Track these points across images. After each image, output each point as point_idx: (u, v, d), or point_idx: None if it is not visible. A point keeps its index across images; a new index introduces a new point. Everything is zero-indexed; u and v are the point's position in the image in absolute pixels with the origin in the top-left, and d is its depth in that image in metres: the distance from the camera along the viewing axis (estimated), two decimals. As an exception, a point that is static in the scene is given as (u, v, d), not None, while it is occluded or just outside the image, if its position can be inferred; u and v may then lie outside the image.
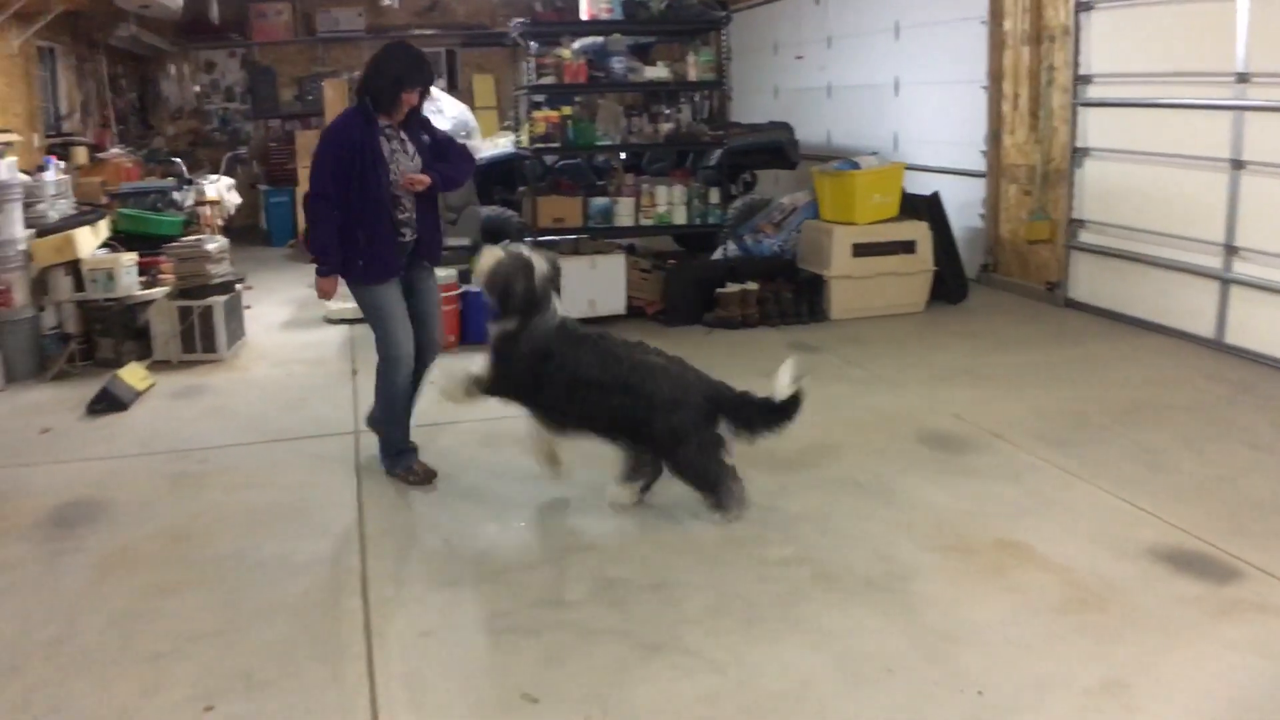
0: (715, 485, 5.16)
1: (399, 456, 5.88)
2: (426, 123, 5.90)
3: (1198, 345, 7.92)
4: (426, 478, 5.79)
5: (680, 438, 5.11)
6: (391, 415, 5.83)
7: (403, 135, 5.68)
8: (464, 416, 6.63)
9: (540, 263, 5.34)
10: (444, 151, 5.86)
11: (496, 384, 5.38)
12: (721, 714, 3.59)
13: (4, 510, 5.61)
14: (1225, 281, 7.74)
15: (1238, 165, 7.51)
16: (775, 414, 5.13)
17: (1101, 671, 3.74)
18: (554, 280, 5.42)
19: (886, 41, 11.85)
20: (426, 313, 5.92)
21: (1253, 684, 3.67)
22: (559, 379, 5.23)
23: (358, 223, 5.54)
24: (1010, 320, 9.07)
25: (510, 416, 6.54)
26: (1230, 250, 7.66)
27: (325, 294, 5.87)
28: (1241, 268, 7.62)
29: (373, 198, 5.52)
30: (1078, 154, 9.12)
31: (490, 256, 5.38)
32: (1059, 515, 5.08)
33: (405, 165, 5.63)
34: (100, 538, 5.21)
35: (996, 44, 10.03)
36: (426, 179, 5.62)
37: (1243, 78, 7.41)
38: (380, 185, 5.52)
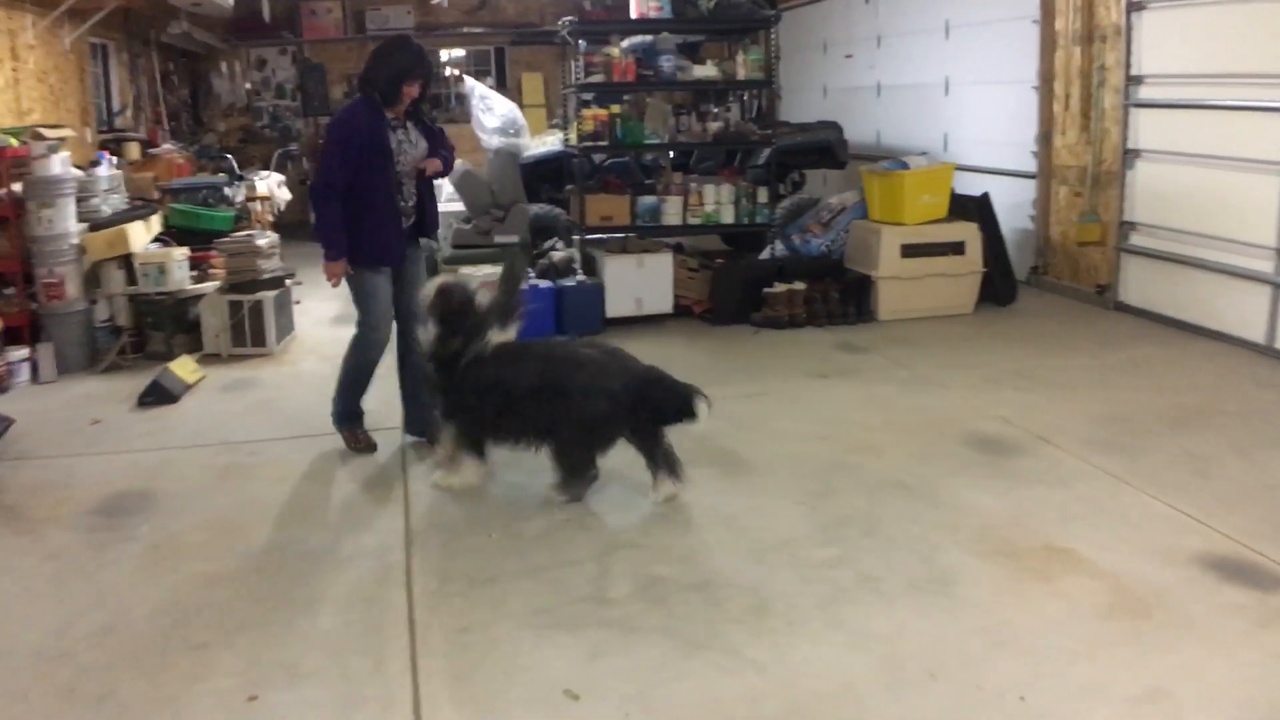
0: (574, 471, 5.40)
1: (351, 419, 6.38)
2: (422, 113, 6.26)
3: (1249, 351, 7.81)
4: (370, 446, 6.32)
5: (581, 425, 5.32)
6: (355, 385, 6.31)
7: (407, 125, 6.04)
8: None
9: (482, 296, 5.74)
10: (440, 140, 6.28)
11: (450, 409, 5.66)
12: (762, 714, 3.58)
13: (54, 499, 5.69)
14: (1278, 286, 7.62)
15: (1292, 168, 7.40)
16: (682, 412, 5.27)
17: (1146, 680, 3.70)
18: (498, 310, 5.69)
19: (937, 41, 11.78)
20: (410, 281, 6.29)
21: (1302, 694, 3.62)
22: (495, 395, 5.45)
23: (364, 210, 5.88)
24: (1059, 323, 8.99)
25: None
26: (1284, 254, 7.56)
27: (334, 277, 6.10)
28: (1295, 272, 7.52)
29: (379, 186, 5.90)
30: (1129, 155, 9.02)
31: (434, 283, 5.75)
32: (1106, 521, 5.03)
33: (411, 154, 6.02)
34: (149, 528, 5.28)
35: (1048, 43, 9.93)
36: (439, 163, 6.13)
37: (1298, 80, 7.31)
38: (386, 174, 5.90)
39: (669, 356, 8.12)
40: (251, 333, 8.57)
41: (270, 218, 12.20)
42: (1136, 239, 9.08)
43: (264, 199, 12.24)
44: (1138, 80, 8.86)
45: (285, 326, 8.95)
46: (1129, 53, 8.88)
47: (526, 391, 5.38)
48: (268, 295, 8.59)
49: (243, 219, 10.64)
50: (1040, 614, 4.18)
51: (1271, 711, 3.54)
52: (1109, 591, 4.34)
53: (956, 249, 9.29)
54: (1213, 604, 4.22)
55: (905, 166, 9.33)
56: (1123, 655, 3.86)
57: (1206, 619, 4.10)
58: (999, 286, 9.61)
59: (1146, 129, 8.87)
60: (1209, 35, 8.07)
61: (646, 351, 8.14)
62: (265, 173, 13.59)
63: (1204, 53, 8.12)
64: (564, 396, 5.29)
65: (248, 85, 17.86)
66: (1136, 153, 8.94)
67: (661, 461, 5.39)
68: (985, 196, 9.82)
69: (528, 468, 5.90)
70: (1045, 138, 10.11)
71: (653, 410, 5.32)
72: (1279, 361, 7.55)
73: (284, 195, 13.18)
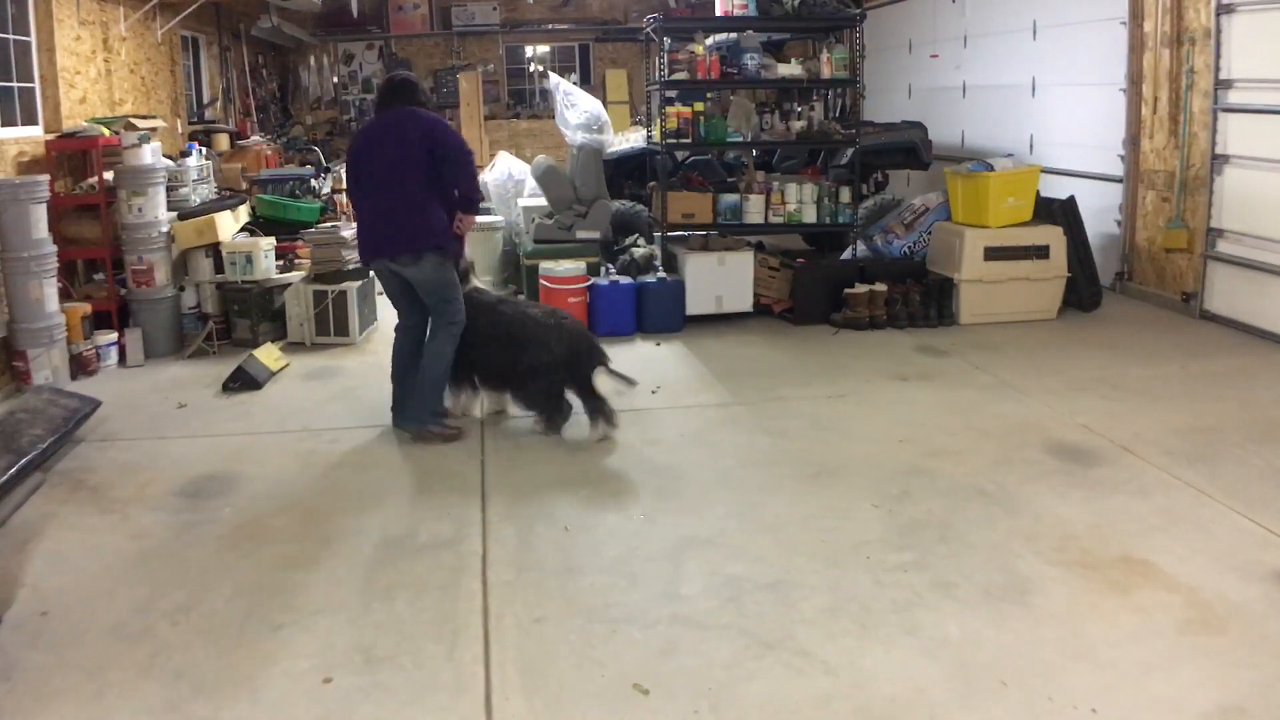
0: (547, 414, 6.45)
1: (443, 413, 6.57)
2: None
3: (1341, 363, 7.64)
4: (459, 433, 6.53)
5: (534, 374, 6.36)
6: (446, 378, 6.54)
7: None
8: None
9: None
10: None
11: None
12: (832, 716, 3.57)
13: (140, 480, 5.83)
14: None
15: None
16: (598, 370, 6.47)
17: (1219, 696, 3.63)
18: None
19: (1024, 41, 11.62)
20: None
21: (1386, 715, 3.54)
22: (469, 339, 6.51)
23: (450, 209, 6.47)
24: (1144, 331, 8.84)
25: (637, 410, 6.62)
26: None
27: (471, 227, 6.76)
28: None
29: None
30: (1217, 161, 8.84)
31: None
32: (1185, 533, 4.94)
33: None
34: (231, 511, 5.39)
35: (1136, 45, 9.77)
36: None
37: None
38: None
39: (749, 356, 8.15)
40: (335, 322, 8.70)
41: (355, 209, 12.34)
42: (1224, 246, 8.90)
43: (349, 191, 12.38)
44: (1227, 84, 8.69)
45: (368, 317, 9.06)
46: (1218, 56, 8.71)
47: (489, 338, 6.51)
48: (351, 285, 8.71)
49: (328, 210, 10.79)
50: (1116, 626, 4.13)
51: (1355, 732, 3.47)
52: (1186, 605, 4.27)
53: (1041, 253, 9.17)
54: (1294, 621, 4.14)
55: (990, 168, 9.23)
56: (1198, 670, 3.80)
57: (1286, 636, 4.03)
58: (1083, 292, 9.47)
59: (1235, 134, 8.69)
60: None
61: (727, 350, 8.22)
62: (351, 165, 13.74)
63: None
64: (519, 347, 6.40)
65: (335, 79, 18.09)
66: (1225, 158, 8.77)
67: (596, 409, 6.37)
68: (1071, 200, 9.68)
69: (603, 464, 5.95)
70: (1133, 141, 9.95)
71: (582, 366, 6.39)
72: (1371, 375, 7.37)
73: (368, 187, 13.31)
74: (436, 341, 6.47)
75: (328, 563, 4.78)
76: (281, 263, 9.03)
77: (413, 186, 6.26)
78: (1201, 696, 3.64)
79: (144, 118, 9.63)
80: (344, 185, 6.68)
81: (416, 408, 6.49)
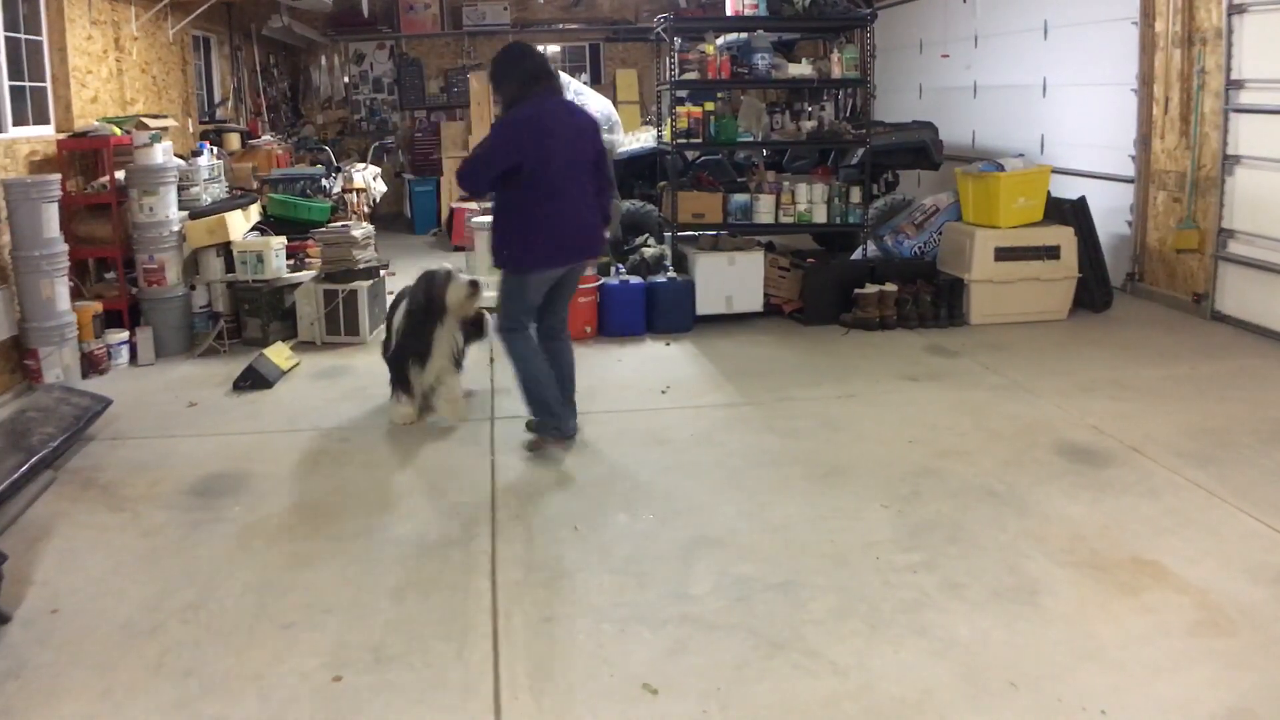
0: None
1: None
2: None
3: (1352, 365, 7.61)
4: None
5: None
6: None
7: None
8: (596, 408, 6.71)
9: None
10: None
11: None
12: (841, 716, 3.57)
13: (150, 479, 5.84)
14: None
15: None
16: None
17: (1229, 699, 3.63)
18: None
19: (1035, 41, 11.61)
20: None
21: (1397, 718, 3.53)
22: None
23: None
24: (1155, 331, 8.82)
25: (646, 410, 6.62)
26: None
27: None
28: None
29: None
30: (1228, 161, 8.81)
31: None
32: (1196, 535, 4.93)
33: None
34: (240, 509, 5.41)
35: (1147, 46, 9.74)
36: None
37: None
38: None
39: (759, 356, 8.15)
40: (345, 322, 8.72)
41: (366, 209, 12.37)
42: (1235, 247, 8.87)
43: (360, 191, 12.41)
44: (1238, 84, 8.66)
45: (378, 316, 9.07)
46: (1229, 56, 8.69)
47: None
48: (362, 285, 8.73)
49: (339, 210, 10.81)
50: (1125, 627, 4.12)
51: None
52: (1196, 607, 4.26)
53: (1051, 253, 9.16)
54: (1305, 623, 4.13)
55: (1001, 168, 9.22)
56: (1207, 672, 3.79)
57: (1297, 638, 4.02)
58: (1094, 292, 9.46)
59: (1247, 134, 8.66)
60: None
61: (737, 350, 8.23)
62: (362, 165, 13.79)
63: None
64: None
65: (346, 79, 18.12)
66: (1236, 159, 8.74)
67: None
68: (1082, 200, 9.67)
69: (611, 464, 5.96)
70: (1144, 141, 9.92)
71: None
72: (1383, 376, 7.34)
73: (380, 187, 13.35)
74: (569, 343, 6.42)
75: (337, 561, 4.79)
76: (292, 262, 9.04)
77: (589, 184, 6.02)
78: (1211, 698, 3.63)
79: (155, 117, 9.65)
80: (490, 169, 5.84)
81: (553, 412, 6.18)
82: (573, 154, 5.90)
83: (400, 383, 6.72)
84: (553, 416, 6.15)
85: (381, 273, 9.28)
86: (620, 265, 9.36)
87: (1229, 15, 8.62)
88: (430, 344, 6.57)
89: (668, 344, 8.61)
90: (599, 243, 6.20)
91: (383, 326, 9.03)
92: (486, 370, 7.77)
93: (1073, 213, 9.51)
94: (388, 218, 15.32)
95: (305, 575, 4.66)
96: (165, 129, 9.22)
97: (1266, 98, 8.37)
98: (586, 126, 6.03)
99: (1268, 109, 8.36)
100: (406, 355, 6.64)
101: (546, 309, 6.21)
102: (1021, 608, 4.29)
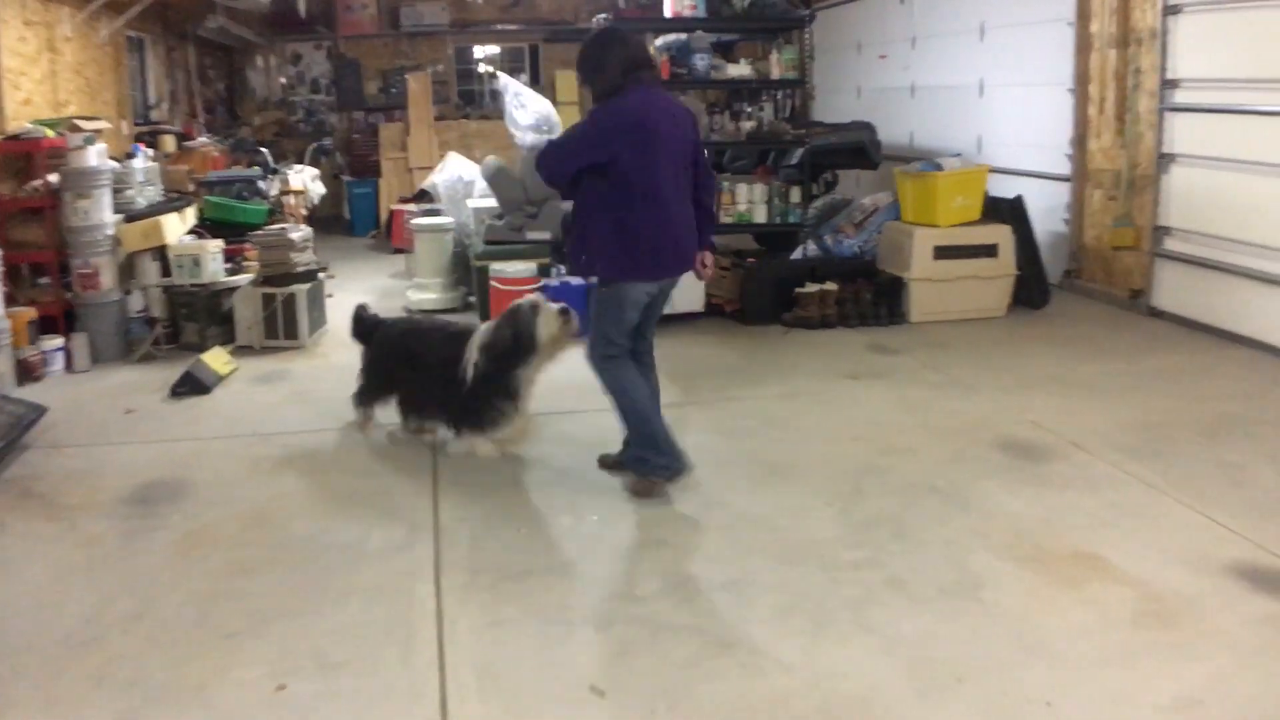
0: None
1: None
2: None
3: (1285, 358, 7.75)
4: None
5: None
6: None
7: None
8: (539, 410, 6.68)
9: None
10: None
11: None
12: (790, 715, 3.57)
13: (88, 488, 5.74)
14: (1315, 293, 7.55)
15: (1329, 175, 7.33)
16: None
17: (1175, 688, 3.67)
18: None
19: (971, 42, 11.72)
20: None
21: (1334, 705, 3.59)
22: None
23: None
24: (1092, 328, 8.93)
25: (584, 410, 6.60)
26: (1321, 262, 7.48)
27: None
28: (1332, 280, 7.44)
29: None
30: (1164, 160, 8.94)
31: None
32: (1137, 528, 4.99)
33: None
34: (180, 517, 5.32)
35: (1083, 46, 9.87)
36: None
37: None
38: None
39: (701, 356, 8.16)
40: (284, 325, 8.61)
41: (304, 211, 12.25)
42: (1171, 244, 9.00)
43: (298, 193, 12.28)
44: (1173, 84, 8.79)
45: (317, 320, 8.99)
46: (1164, 56, 8.81)
47: None
48: (300, 288, 8.63)
49: (276, 213, 10.69)
50: (1069, 620, 4.16)
51: (1303, 722, 3.52)
52: (1139, 599, 4.31)
53: (989, 251, 9.24)
54: (1243, 613, 4.19)
55: (939, 168, 9.29)
56: (1152, 664, 3.84)
57: (1237, 628, 4.07)
58: (1032, 290, 9.56)
59: (1182, 133, 8.79)
60: (1245, 39, 7.99)
61: (678, 350, 8.22)
62: (299, 167, 13.65)
63: (1240, 57, 8.04)
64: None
65: (283, 80, 17.96)
66: (1171, 157, 8.87)
67: None
68: (1019, 199, 9.77)
69: (556, 466, 5.93)
70: (1080, 141, 10.05)
71: None
72: (1315, 370, 7.48)
73: (318, 189, 13.23)
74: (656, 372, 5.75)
75: (280, 569, 4.73)
76: (230, 265, 8.92)
77: (687, 189, 5.40)
78: (1157, 689, 3.67)
79: (89, 119, 9.50)
80: (573, 160, 5.25)
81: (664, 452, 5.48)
82: (674, 152, 5.27)
83: (474, 424, 6.00)
84: (663, 455, 5.41)
85: (320, 275, 9.19)
86: (561, 267, 9.33)
87: (1165, 15, 8.74)
88: (518, 385, 5.86)
89: (611, 345, 8.57)
90: (694, 253, 5.49)
91: (323, 329, 8.98)
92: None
93: (1010, 211, 9.61)
94: (326, 220, 15.17)
95: (247, 583, 4.59)
96: (99, 131, 9.07)
97: (1201, 97, 8.50)
98: (685, 120, 5.39)
99: (1203, 108, 8.49)
100: (488, 395, 5.86)
101: (634, 333, 5.53)
102: (966, 603, 4.32)
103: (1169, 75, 8.80)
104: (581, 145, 5.29)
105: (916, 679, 3.76)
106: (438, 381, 6.05)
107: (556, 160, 5.33)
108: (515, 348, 5.76)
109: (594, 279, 5.47)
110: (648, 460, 5.43)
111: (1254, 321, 8.11)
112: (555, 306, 5.80)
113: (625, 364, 5.41)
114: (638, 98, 5.20)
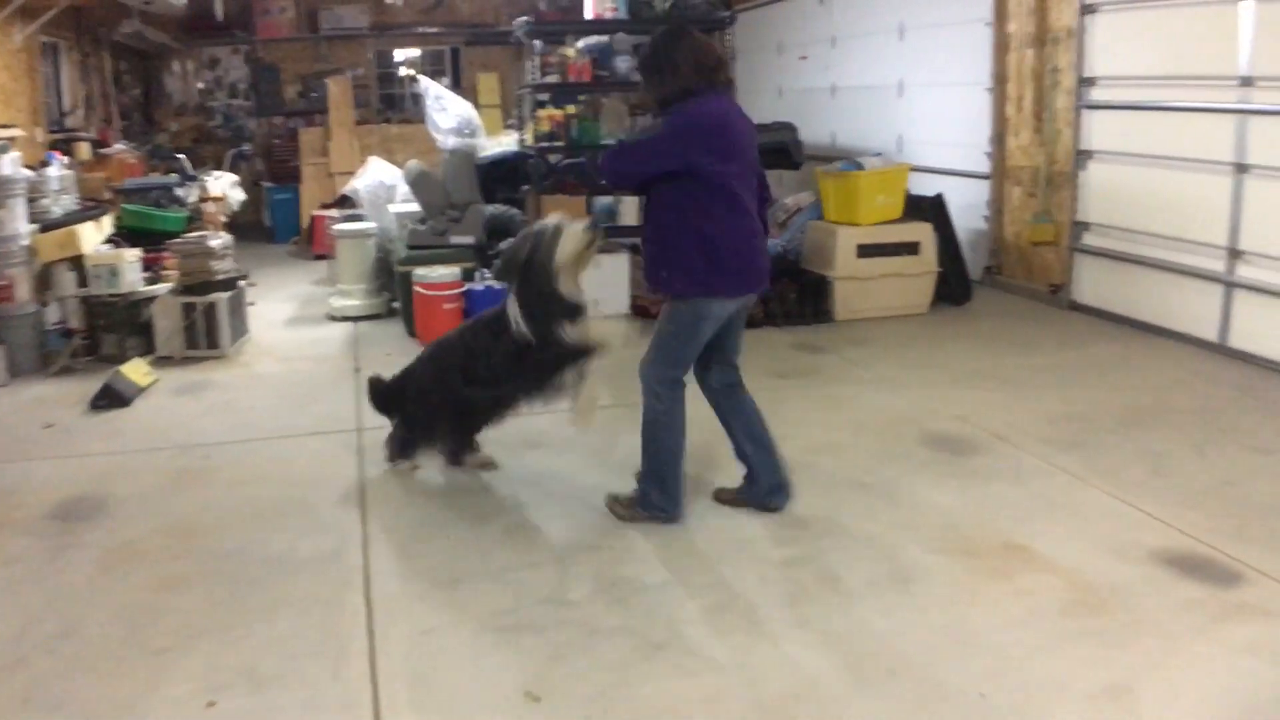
0: None
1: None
2: None
3: (1202, 349, 7.90)
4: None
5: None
6: None
7: None
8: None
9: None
10: None
11: None
12: (725, 713, 3.58)
13: (7, 505, 5.61)
14: (1229, 285, 7.72)
15: (1241, 169, 7.49)
16: None
17: (1105, 676, 3.73)
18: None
19: (891, 42, 11.84)
20: None
21: (1257, 688, 3.67)
22: None
23: None
24: (1014, 323, 9.06)
25: (518, 415, 6.56)
26: (1234, 254, 7.64)
27: None
28: (1245, 271, 7.61)
29: None
30: (1081, 156, 9.11)
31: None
32: (1063, 518, 5.07)
33: None
34: (103, 533, 5.21)
35: (1001, 46, 10.02)
36: None
37: (1246, 81, 7.39)
38: None
39: (625, 357, 8.12)
40: (205, 335, 8.48)
41: (223, 219, 12.09)
42: (1090, 239, 9.17)
43: (217, 200, 12.13)
44: (1090, 82, 8.95)
45: (239, 328, 8.86)
46: (1081, 55, 8.97)
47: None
48: (221, 297, 8.51)
49: (195, 220, 10.54)
50: (999, 611, 4.21)
51: (1231, 706, 3.58)
52: (1067, 588, 4.38)
53: (911, 249, 9.34)
54: (1170, 599, 4.27)
55: (860, 167, 9.38)
56: (1082, 651, 3.90)
57: (1164, 614, 4.15)
58: (954, 286, 9.68)
59: (1099, 130, 8.96)
60: (1160, 38, 8.17)
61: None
62: (218, 173, 13.49)
63: (1155, 55, 8.22)
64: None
65: (200, 85, 17.71)
66: (1089, 154, 9.03)
67: None
68: (939, 197, 9.89)
69: (479, 473, 5.90)
70: (999, 139, 10.19)
71: None
72: (1231, 359, 7.64)
73: (237, 196, 13.07)
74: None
75: (207, 583, 4.66)
76: (148, 274, 8.77)
77: (756, 201, 5.06)
78: (1088, 676, 3.73)
79: (2, 127, 9.30)
80: (650, 164, 4.86)
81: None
82: (751, 162, 4.98)
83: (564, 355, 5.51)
84: (666, 498, 5.15)
85: (241, 283, 9.06)
86: (485, 271, 9.28)
87: (1081, 15, 8.90)
88: (569, 298, 5.43)
89: (538, 348, 8.54)
90: (768, 269, 5.16)
91: (245, 338, 8.85)
92: (352, 378, 7.64)
93: (931, 209, 9.72)
94: (246, 227, 14.96)
95: (174, 599, 4.51)
96: (12, 139, 8.88)
97: (1118, 94, 8.67)
98: (752, 128, 5.08)
99: (1119, 105, 8.66)
100: (550, 317, 5.41)
101: (716, 354, 5.26)
102: (898, 596, 4.36)
103: (1086, 73, 8.96)
104: (661, 150, 4.86)
105: (851, 673, 3.79)
106: (507, 360, 5.50)
107: (632, 162, 5.01)
108: (531, 264, 5.33)
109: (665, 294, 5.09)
110: (648, 496, 5.17)
111: (1171, 313, 8.28)
112: (580, 224, 5.39)
113: (680, 399, 5.15)
114: (718, 104, 4.90)
